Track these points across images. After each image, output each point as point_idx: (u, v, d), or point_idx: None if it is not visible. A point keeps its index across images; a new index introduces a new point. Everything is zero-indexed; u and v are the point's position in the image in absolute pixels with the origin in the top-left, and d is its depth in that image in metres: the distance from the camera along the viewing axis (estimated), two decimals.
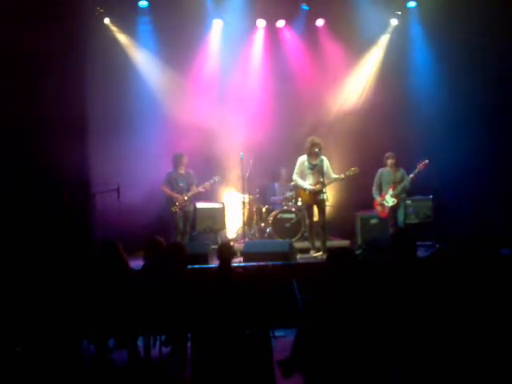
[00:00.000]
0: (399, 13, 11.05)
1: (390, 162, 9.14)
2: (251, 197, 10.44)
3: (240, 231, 10.44)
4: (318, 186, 8.63)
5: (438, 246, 8.15)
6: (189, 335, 5.66)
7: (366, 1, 10.42)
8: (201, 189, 9.51)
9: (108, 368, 5.72)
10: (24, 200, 8.93)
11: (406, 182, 9.01)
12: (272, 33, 11.31)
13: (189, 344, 5.62)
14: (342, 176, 8.80)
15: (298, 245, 9.15)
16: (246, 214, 10.16)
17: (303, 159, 8.85)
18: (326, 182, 8.61)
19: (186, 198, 9.35)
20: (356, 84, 11.43)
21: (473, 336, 4.12)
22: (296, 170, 8.91)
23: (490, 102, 9.94)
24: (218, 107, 10.78)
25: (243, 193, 10.10)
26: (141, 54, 10.84)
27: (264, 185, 11.01)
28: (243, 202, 10.07)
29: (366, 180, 9.39)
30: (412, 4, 10.89)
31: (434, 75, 10.59)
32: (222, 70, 10.95)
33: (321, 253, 8.62)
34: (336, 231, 10.33)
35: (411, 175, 8.98)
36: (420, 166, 8.92)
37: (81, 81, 9.72)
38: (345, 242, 9.78)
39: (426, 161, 8.90)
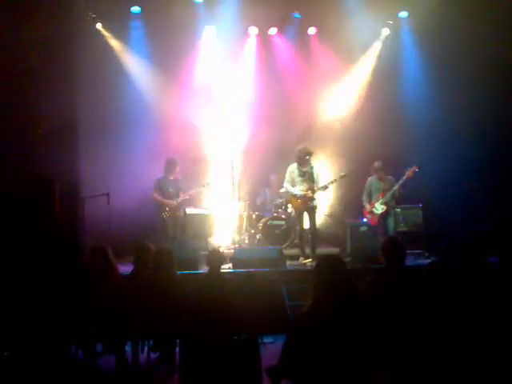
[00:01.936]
0: (391, 22, 11.09)
1: (380, 171, 9.15)
2: (241, 203, 10.44)
3: (230, 237, 10.42)
4: (308, 193, 8.65)
5: (431, 260, 8.16)
6: (177, 341, 5.65)
7: (357, 10, 10.39)
8: (190, 194, 9.52)
9: (95, 373, 5.69)
10: (10, 205, 8.86)
11: (395, 189, 9.03)
12: (264, 40, 11.32)
13: (177, 350, 5.60)
14: (332, 181, 8.83)
15: (288, 252, 9.16)
16: (236, 220, 10.16)
17: (293, 167, 8.86)
18: (316, 188, 8.64)
19: (176, 203, 9.35)
20: (347, 92, 11.47)
21: (463, 342, 4.14)
22: (287, 178, 8.91)
23: (481, 111, 9.98)
24: (208, 113, 10.79)
25: (233, 199, 10.10)
26: (133, 59, 10.80)
27: (254, 191, 10.99)
28: (233, 209, 10.07)
29: (355, 187, 9.43)
30: (404, 14, 10.94)
31: (424, 84, 10.62)
32: (214, 75, 10.95)
33: (310, 260, 8.63)
34: (326, 238, 10.34)
35: (400, 182, 8.99)
36: (408, 173, 8.92)
37: (71, 85, 9.69)
38: (334, 250, 9.79)
39: (415, 167, 8.91)
